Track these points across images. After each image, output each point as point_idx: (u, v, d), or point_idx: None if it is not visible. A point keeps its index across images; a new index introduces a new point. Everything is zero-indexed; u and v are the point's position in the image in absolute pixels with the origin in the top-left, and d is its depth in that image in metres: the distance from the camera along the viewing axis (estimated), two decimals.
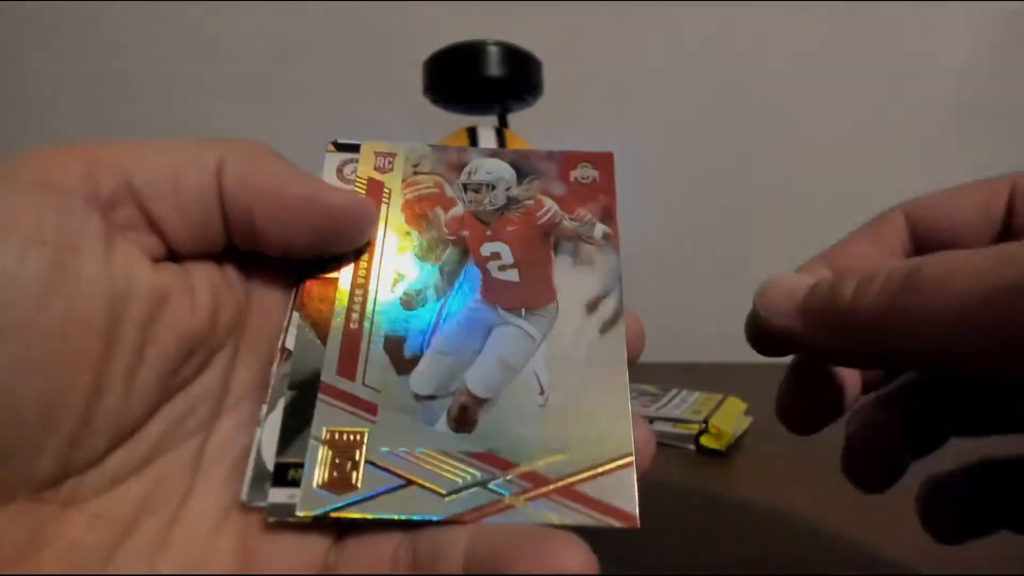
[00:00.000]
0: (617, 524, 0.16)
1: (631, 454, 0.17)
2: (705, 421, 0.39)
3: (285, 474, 0.16)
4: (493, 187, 0.21)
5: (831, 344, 0.18)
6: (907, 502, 0.31)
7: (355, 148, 0.21)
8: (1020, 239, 0.19)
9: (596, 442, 0.17)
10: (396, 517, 0.16)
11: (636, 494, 0.16)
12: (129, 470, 0.16)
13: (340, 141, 0.21)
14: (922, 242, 0.21)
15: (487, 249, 0.20)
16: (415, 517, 0.16)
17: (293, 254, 0.18)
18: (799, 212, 0.66)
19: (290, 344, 0.18)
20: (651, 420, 0.40)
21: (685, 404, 0.42)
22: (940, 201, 0.21)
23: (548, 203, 0.21)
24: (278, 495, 0.16)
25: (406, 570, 0.15)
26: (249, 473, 0.16)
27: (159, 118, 0.65)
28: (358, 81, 0.64)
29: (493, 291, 0.19)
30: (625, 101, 0.65)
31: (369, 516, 0.16)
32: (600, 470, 0.17)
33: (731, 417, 0.40)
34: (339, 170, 0.21)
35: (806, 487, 0.33)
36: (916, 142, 0.65)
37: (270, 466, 0.16)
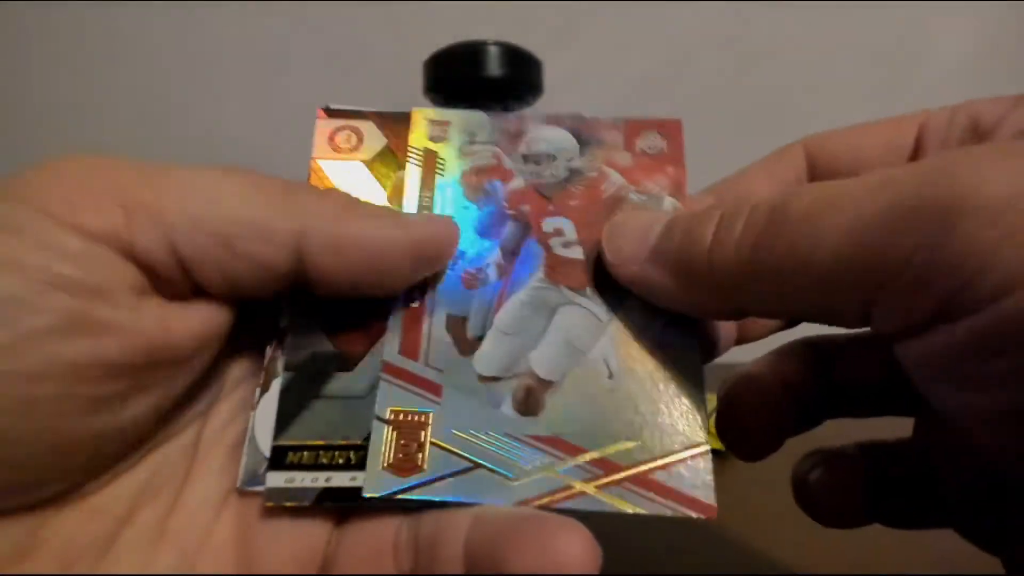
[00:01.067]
0: (694, 515, 0.15)
1: (706, 442, 0.16)
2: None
3: (283, 457, 0.16)
4: (554, 158, 0.20)
5: (687, 296, 0.16)
6: None
7: (348, 115, 0.20)
8: None
9: (669, 429, 0.16)
10: (463, 500, 0.15)
11: (712, 484, 0.16)
12: (126, 465, 0.16)
13: (332, 107, 0.20)
14: (822, 177, 0.19)
15: (549, 225, 0.19)
16: (483, 501, 0.15)
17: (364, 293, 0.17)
18: None
19: (284, 323, 0.18)
20: None
21: None
22: (844, 136, 0.20)
23: (613, 176, 0.20)
24: (276, 479, 0.16)
25: (408, 555, 0.15)
26: (244, 458, 0.16)
27: (157, 117, 0.65)
28: (358, 81, 0.64)
29: (556, 269, 0.18)
30: (625, 101, 0.65)
31: (435, 499, 0.15)
32: (674, 458, 0.16)
33: None
34: (331, 138, 0.20)
35: None
36: None
37: (265, 450, 0.16)
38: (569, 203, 0.19)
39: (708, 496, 0.16)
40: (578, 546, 0.13)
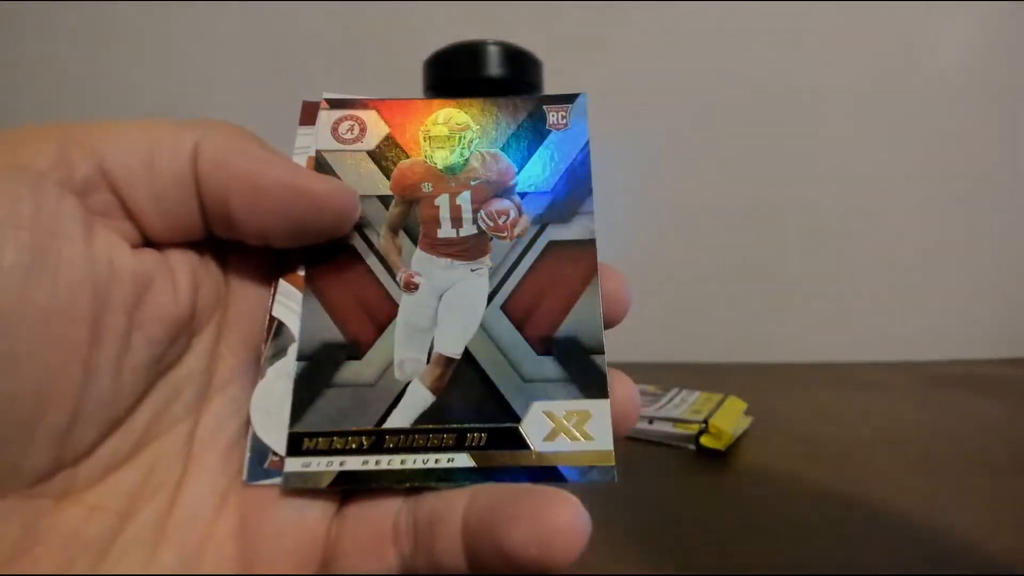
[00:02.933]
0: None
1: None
2: (705, 421, 0.39)
3: (299, 444, 0.16)
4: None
5: None
6: (908, 505, 0.31)
7: (350, 104, 0.20)
8: None
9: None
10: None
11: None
12: (120, 458, 0.16)
13: (333, 97, 0.20)
14: None
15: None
16: None
17: (272, 243, 0.18)
18: (798, 210, 0.66)
19: (278, 313, 0.18)
20: (651, 420, 0.40)
21: (685, 404, 0.42)
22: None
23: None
24: (293, 464, 0.16)
25: (408, 537, 0.15)
26: (248, 452, 0.16)
27: (156, 113, 0.65)
28: (358, 81, 0.64)
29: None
30: (625, 100, 0.65)
31: None
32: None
33: (731, 417, 0.40)
34: (334, 129, 0.20)
35: (806, 487, 0.33)
36: (914, 136, 0.65)
37: (264, 437, 0.16)
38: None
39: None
40: (569, 515, 0.14)
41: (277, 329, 0.18)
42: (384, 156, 0.20)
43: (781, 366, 0.59)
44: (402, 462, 0.17)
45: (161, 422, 0.16)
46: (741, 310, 0.64)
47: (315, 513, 0.16)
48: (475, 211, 0.19)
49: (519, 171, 0.20)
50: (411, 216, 0.19)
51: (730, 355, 0.59)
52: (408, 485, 0.16)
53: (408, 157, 0.20)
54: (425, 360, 0.18)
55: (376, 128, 0.20)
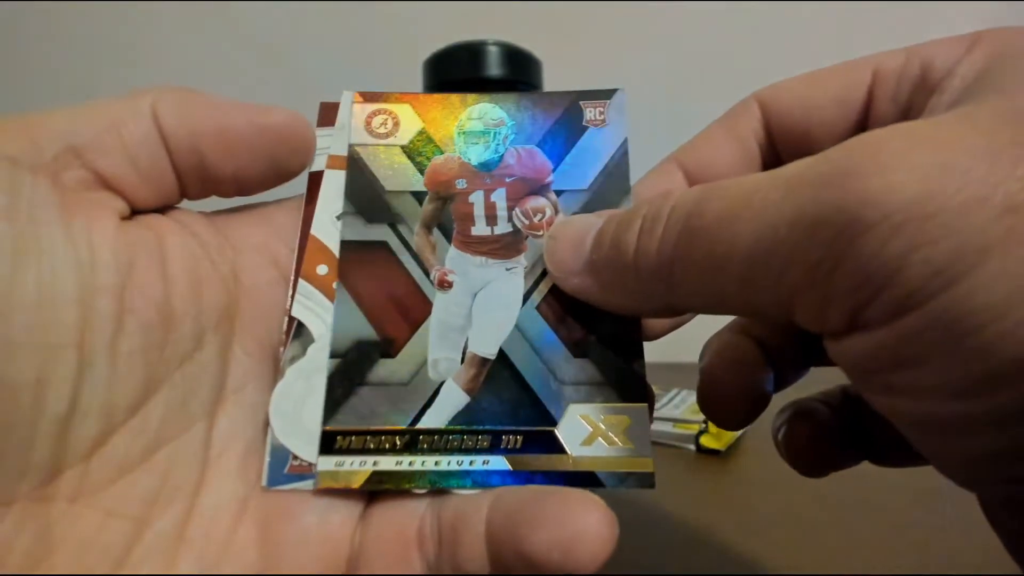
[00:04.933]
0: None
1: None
2: (705, 421, 0.39)
3: (332, 442, 0.16)
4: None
5: (622, 302, 0.17)
6: (908, 505, 0.31)
7: (383, 98, 0.20)
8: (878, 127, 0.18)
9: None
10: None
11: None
12: (134, 459, 0.15)
13: (367, 91, 0.20)
14: (776, 131, 0.20)
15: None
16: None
17: (248, 187, 0.18)
18: None
19: (297, 313, 0.18)
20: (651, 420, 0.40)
21: (685, 404, 0.42)
22: (796, 87, 0.19)
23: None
24: (326, 463, 0.16)
25: (433, 542, 0.15)
26: (268, 457, 0.16)
27: None
28: (358, 81, 0.64)
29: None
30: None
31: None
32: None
33: None
34: (367, 123, 0.20)
35: (806, 487, 0.33)
36: None
37: (283, 440, 0.16)
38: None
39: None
40: (593, 519, 0.13)
41: (297, 330, 0.17)
42: (418, 151, 0.20)
43: None
44: (436, 463, 0.16)
45: (175, 422, 0.16)
46: None
47: (339, 518, 0.16)
48: (510, 209, 0.19)
49: (555, 168, 0.19)
50: (445, 213, 0.19)
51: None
52: (442, 486, 0.16)
53: (442, 152, 0.20)
54: (459, 360, 0.17)
55: (410, 122, 0.20)
